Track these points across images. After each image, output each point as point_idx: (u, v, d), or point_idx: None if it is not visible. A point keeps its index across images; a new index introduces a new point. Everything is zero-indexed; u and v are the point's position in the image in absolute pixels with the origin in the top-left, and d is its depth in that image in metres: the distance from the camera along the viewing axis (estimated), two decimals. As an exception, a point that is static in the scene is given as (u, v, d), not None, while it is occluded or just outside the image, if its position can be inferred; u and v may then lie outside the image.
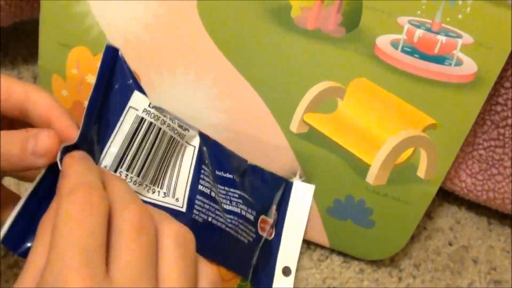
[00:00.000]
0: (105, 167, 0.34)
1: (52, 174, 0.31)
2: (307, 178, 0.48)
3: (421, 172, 0.46)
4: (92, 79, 0.49)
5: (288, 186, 0.44)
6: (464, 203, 0.58)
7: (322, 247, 0.51)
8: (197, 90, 0.47)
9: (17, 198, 0.35)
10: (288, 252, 0.42)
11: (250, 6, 0.44)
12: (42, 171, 0.31)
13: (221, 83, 0.46)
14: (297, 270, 0.48)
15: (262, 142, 0.47)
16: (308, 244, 0.51)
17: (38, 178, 0.31)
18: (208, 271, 0.30)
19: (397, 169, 0.46)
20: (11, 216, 0.30)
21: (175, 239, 0.29)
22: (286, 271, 0.42)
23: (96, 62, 0.48)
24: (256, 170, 0.43)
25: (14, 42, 0.64)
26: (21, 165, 0.31)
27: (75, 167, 0.30)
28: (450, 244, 0.54)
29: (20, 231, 0.30)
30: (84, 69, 0.49)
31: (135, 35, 0.46)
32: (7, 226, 0.30)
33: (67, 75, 0.49)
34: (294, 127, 0.47)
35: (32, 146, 0.31)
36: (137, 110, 0.35)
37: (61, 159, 0.30)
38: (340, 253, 0.51)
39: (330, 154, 0.47)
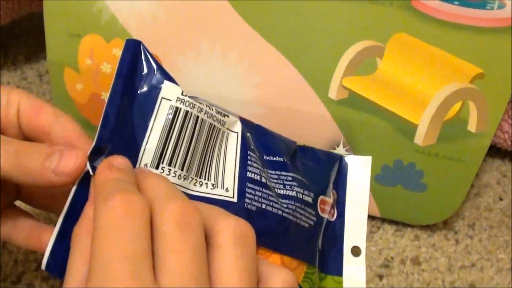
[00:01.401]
0: (146, 164, 0.31)
1: (83, 192, 0.29)
2: (351, 147, 0.45)
3: (472, 126, 0.43)
4: (108, 67, 0.46)
5: (342, 161, 0.41)
6: (507, 155, 0.56)
7: (373, 217, 0.48)
8: (224, 66, 0.44)
9: (29, 216, 0.35)
10: (355, 230, 0.40)
11: (273, -30, 0.41)
12: (73, 190, 0.29)
13: (249, 56, 0.43)
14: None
15: (300, 113, 0.44)
16: (356, 216, 0.48)
17: (69, 198, 0.29)
18: (281, 272, 0.28)
19: (446, 126, 0.43)
20: (50, 242, 0.29)
21: (232, 237, 0.26)
22: (355, 251, 0.39)
23: (111, 49, 0.45)
24: (306, 151, 0.40)
25: (13, 42, 0.60)
26: (39, 182, 0.29)
27: (109, 174, 0.27)
28: (501, 199, 0.52)
29: (62, 255, 0.28)
30: (99, 58, 0.46)
31: (151, 15, 0.43)
32: (48, 252, 0.28)
33: (80, 67, 0.46)
34: (333, 93, 0.44)
35: (55, 163, 0.28)
36: (170, 100, 0.32)
37: (91, 167, 0.28)
38: (391, 222, 0.48)
39: (374, 118, 0.44)
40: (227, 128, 0.35)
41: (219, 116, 0.34)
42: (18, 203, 0.35)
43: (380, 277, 0.44)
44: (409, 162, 0.45)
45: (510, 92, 0.43)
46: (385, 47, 0.42)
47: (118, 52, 0.45)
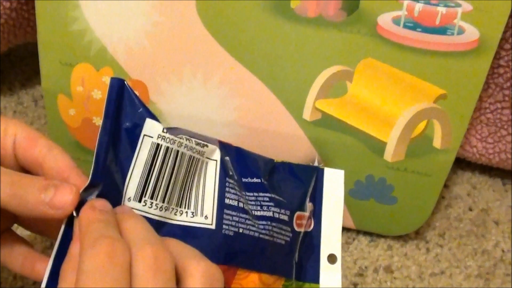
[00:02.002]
0: (129, 198, 0.34)
1: (71, 231, 0.31)
2: (325, 164, 0.48)
3: (437, 143, 0.47)
4: (98, 94, 0.49)
5: (319, 174, 0.44)
6: (477, 168, 0.59)
7: (348, 229, 0.51)
8: (206, 91, 0.47)
9: (24, 243, 0.37)
10: (331, 239, 0.43)
11: (249, 2, 0.44)
12: (63, 227, 0.32)
13: (228, 81, 0.47)
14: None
15: (277, 134, 0.48)
16: (333, 228, 0.51)
17: (60, 235, 0.31)
18: None
19: (413, 143, 0.47)
20: (45, 278, 0.31)
21: (201, 279, 0.29)
22: (331, 259, 0.42)
23: (101, 76, 0.49)
24: (284, 167, 0.43)
25: (10, 69, 0.64)
26: (34, 213, 0.31)
27: (93, 216, 0.30)
28: (470, 210, 0.55)
29: None
30: (89, 85, 0.49)
31: (137, 44, 0.47)
32: (45, 279, 0.31)
33: (73, 93, 0.49)
34: (307, 115, 0.47)
35: (50, 196, 0.31)
36: (152, 137, 0.35)
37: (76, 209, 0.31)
38: (366, 233, 0.52)
39: (346, 137, 0.47)
40: (206, 157, 0.38)
41: (198, 148, 0.37)
42: (14, 227, 0.38)
43: (355, 285, 0.48)
44: (380, 177, 0.48)
45: (471, 110, 0.46)
46: (354, 72, 0.45)
47: (107, 79, 0.48)
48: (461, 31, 0.44)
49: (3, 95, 0.61)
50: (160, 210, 0.35)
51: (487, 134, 0.55)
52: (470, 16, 0.43)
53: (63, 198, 0.31)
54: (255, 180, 0.40)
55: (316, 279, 0.42)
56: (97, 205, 0.31)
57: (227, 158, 0.39)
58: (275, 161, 0.42)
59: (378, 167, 0.48)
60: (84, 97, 0.49)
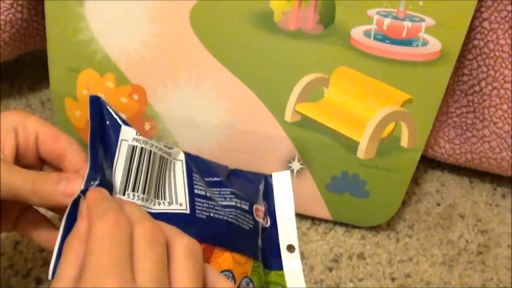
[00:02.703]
0: (115, 192, 0.40)
1: (74, 215, 0.36)
2: (304, 161, 0.54)
3: (404, 142, 0.52)
4: (102, 97, 0.54)
5: (267, 178, 0.50)
6: (447, 167, 0.64)
7: (326, 220, 0.57)
8: (198, 95, 0.53)
9: (48, 221, 0.42)
10: (287, 232, 0.48)
11: (238, 15, 0.49)
12: (68, 209, 0.36)
13: (218, 86, 0.52)
14: (306, 243, 0.54)
15: (261, 134, 0.53)
16: (313, 219, 0.57)
17: (66, 215, 0.36)
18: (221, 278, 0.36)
19: (383, 143, 0.52)
20: (53, 255, 0.35)
21: (185, 251, 0.34)
22: (290, 249, 0.48)
23: (104, 81, 0.54)
24: (238, 173, 0.49)
25: (18, 74, 0.69)
26: (52, 202, 0.37)
27: (99, 195, 0.36)
28: (438, 205, 0.60)
29: None
30: (94, 89, 0.54)
31: (137, 53, 0.52)
32: (52, 264, 0.35)
33: (79, 96, 0.55)
34: (288, 117, 0.52)
35: (64, 187, 0.36)
36: (127, 140, 0.41)
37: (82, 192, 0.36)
38: (342, 224, 0.57)
39: (323, 137, 0.52)
40: (173, 158, 0.44)
41: (166, 149, 0.43)
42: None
43: (330, 269, 0.53)
44: (354, 173, 0.54)
45: (435, 113, 0.51)
46: (329, 78, 0.51)
47: (110, 84, 0.54)
48: (425, 43, 0.49)
49: (13, 97, 0.66)
50: (142, 201, 0.40)
51: (454, 136, 0.61)
52: (433, 30, 0.48)
53: (74, 187, 0.36)
54: (215, 179, 0.46)
55: (280, 267, 0.48)
56: (101, 189, 0.37)
57: (189, 162, 0.45)
58: (229, 168, 0.48)
59: (352, 164, 0.53)
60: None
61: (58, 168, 0.41)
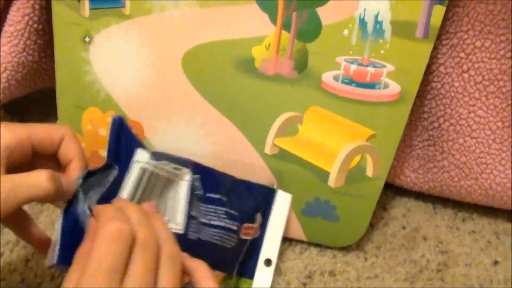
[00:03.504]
0: None
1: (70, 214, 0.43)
2: (282, 188, 0.61)
3: (369, 172, 0.59)
4: (103, 131, 0.62)
5: (272, 194, 0.56)
6: (412, 195, 0.71)
7: (302, 241, 0.64)
8: (189, 130, 0.60)
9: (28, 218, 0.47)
10: (270, 247, 0.55)
11: (224, 61, 0.57)
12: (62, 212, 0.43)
13: (207, 123, 0.59)
14: (283, 261, 0.61)
15: (244, 164, 0.60)
16: (290, 240, 0.63)
17: (64, 207, 0.43)
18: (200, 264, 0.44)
19: (350, 172, 0.59)
20: (57, 243, 0.41)
21: (170, 257, 0.40)
22: (268, 262, 0.54)
23: (106, 118, 0.61)
24: (244, 183, 0.55)
25: (27, 109, 0.76)
26: (67, 195, 0.43)
27: (106, 207, 0.42)
28: (404, 228, 0.67)
29: (68, 252, 0.41)
30: (97, 125, 0.61)
31: (135, 93, 0.59)
32: (57, 248, 0.41)
33: (83, 130, 0.62)
34: (267, 150, 0.60)
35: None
36: (141, 163, 0.47)
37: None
38: (316, 245, 0.63)
39: (298, 167, 0.60)
40: (180, 179, 0.50)
41: (174, 171, 0.49)
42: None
43: (304, 284, 0.59)
44: (325, 199, 0.61)
45: (395, 147, 0.59)
46: (303, 116, 0.58)
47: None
48: (386, 86, 0.56)
49: (23, 130, 0.73)
50: None
51: (418, 166, 0.68)
52: (393, 75, 0.56)
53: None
54: (216, 195, 0.52)
55: (251, 276, 0.54)
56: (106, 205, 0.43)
57: (196, 176, 0.51)
58: (236, 178, 0.54)
59: (324, 191, 0.60)
60: (92, 134, 0.62)
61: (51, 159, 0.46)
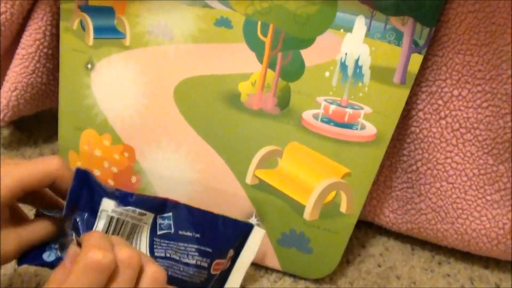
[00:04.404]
0: None
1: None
2: (260, 218, 0.64)
3: (343, 208, 0.62)
4: (99, 152, 0.66)
5: (248, 229, 0.58)
6: (392, 234, 0.73)
7: (277, 271, 0.66)
8: (176, 157, 0.63)
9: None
10: (236, 277, 0.57)
11: (212, 95, 0.61)
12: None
13: (193, 151, 0.63)
14: (257, 288, 0.64)
15: (226, 192, 0.63)
16: (266, 269, 0.66)
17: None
18: None
19: (325, 207, 0.62)
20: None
21: (152, 276, 0.44)
22: None
23: (102, 140, 0.65)
24: (221, 219, 0.56)
25: (36, 127, 0.81)
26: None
27: (94, 234, 0.45)
28: (379, 266, 0.69)
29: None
30: (93, 146, 0.65)
31: (130, 119, 0.63)
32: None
33: (80, 150, 0.66)
34: (248, 180, 0.63)
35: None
36: (108, 211, 0.50)
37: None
38: (291, 275, 0.66)
39: (276, 199, 0.63)
40: (144, 223, 0.52)
41: (139, 216, 0.51)
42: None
43: (274, 312, 0.62)
44: (300, 231, 0.63)
45: (369, 186, 0.61)
46: (283, 151, 0.61)
47: (106, 142, 0.65)
48: (363, 127, 0.60)
49: (29, 146, 0.78)
50: None
51: (396, 207, 0.70)
52: (370, 117, 0.59)
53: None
54: (188, 233, 0.54)
55: None
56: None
57: (166, 215, 0.53)
58: (214, 213, 0.56)
59: (299, 224, 0.63)
60: (88, 154, 0.66)
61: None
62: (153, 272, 0.44)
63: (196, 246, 0.55)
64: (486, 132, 0.61)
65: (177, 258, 0.54)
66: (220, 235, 0.56)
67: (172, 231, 0.54)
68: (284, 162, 0.62)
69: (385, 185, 0.69)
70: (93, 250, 0.41)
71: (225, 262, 0.57)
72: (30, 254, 0.47)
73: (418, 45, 0.57)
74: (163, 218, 0.54)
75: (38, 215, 0.49)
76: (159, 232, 0.53)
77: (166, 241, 0.53)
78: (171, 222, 0.54)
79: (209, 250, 0.55)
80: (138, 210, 0.51)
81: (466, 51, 0.58)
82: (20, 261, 0.47)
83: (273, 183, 0.62)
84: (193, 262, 0.54)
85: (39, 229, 0.47)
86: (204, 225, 0.56)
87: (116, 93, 0.63)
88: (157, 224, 0.53)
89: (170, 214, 0.54)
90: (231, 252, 0.57)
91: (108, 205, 0.50)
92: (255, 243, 0.58)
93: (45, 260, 0.48)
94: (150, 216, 0.53)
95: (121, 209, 0.50)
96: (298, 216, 0.63)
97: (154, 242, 0.53)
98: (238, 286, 0.57)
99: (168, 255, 0.53)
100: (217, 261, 0.56)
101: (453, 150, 0.63)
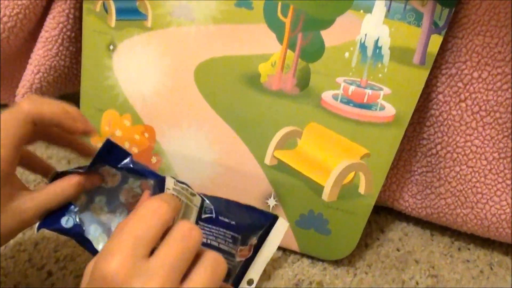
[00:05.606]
0: None
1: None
2: (278, 199, 0.64)
3: (361, 189, 0.62)
4: (119, 133, 0.66)
5: (273, 220, 0.58)
6: (412, 220, 0.73)
7: (295, 252, 0.66)
8: (196, 138, 0.64)
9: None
10: (256, 268, 0.57)
11: (232, 75, 0.61)
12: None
13: (213, 132, 0.63)
14: (275, 268, 0.64)
15: (245, 173, 0.64)
16: (284, 250, 0.66)
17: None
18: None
19: (344, 188, 0.62)
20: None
21: (213, 261, 0.40)
22: (249, 282, 0.57)
23: (123, 120, 0.66)
24: (246, 208, 0.57)
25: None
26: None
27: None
28: (398, 250, 0.69)
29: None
30: (114, 126, 0.66)
31: (151, 99, 0.64)
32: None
33: (102, 131, 0.67)
34: (267, 161, 0.63)
35: None
36: (169, 189, 0.49)
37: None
38: (309, 257, 0.66)
39: (295, 180, 0.63)
40: (194, 204, 0.52)
41: (190, 197, 0.51)
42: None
43: (292, 291, 0.62)
44: (319, 212, 0.63)
45: (388, 167, 0.61)
46: (302, 132, 0.62)
47: (127, 122, 0.66)
48: (382, 108, 0.60)
49: (51, 131, 0.79)
50: None
51: (416, 192, 0.70)
52: (389, 98, 0.59)
53: None
54: (226, 220, 0.54)
55: None
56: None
57: (207, 202, 0.54)
58: (240, 203, 0.56)
59: (317, 205, 0.63)
60: (109, 135, 0.67)
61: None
62: (216, 257, 0.41)
63: (231, 233, 0.55)
64: (506, 114, 0.61)
65: (216, 244, 0.54)
66: (248, 223, 0.56)
67: (214, 215, 0.54)
68: (303, 143, 0.62)
69: (405, 169, 0.69)
70: (156, 199, 0.40)
71: (247, 249, 0.57)
72: (48, 218, 0.47)
73: (438, 26, 0.56)
74: (206, 203, 0.54)
75: (55, 179, 0.49)
76: (203, 216, 0.53)
77: (209, 226, 0.53)
78: (212, 207, 0.54)
79: (239, 237, 0.55)
80: (190, 189, 0.51)
81: (486, 33, 0.58)
82: (39, 226, 0.47)
83: (292, 164, 0.63)
84: (227, 248, 0.54)
85: (56, 192, 0.47)
86: (237, 213, 0.56)
87: (137, 74, 0.64)
88: (203, 208, 0.53)
89: (209, 202, 0.54)
90: (254, 240, 0.57)
91: (170, 182, 0.50)
92: (279, 234, 0.58)
93: (62, 225, 0.48)
94: (198, 199, 0.53)
95: (179, 186, 0.50)
96: (316, 197, 0.63)
97: (198, 226, 0.53)
98: (259, 276, 0.57)
99: (208, 241, 0.54)
100: (240, 247, 0.56)
101: (472, 133, 0.63)
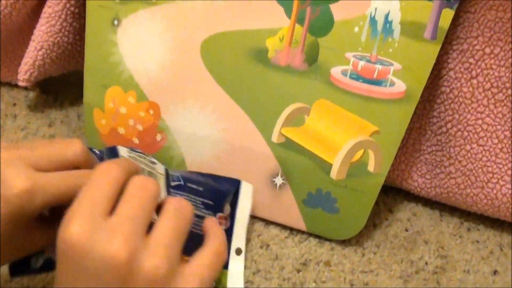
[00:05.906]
0: None
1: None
2: (286, 177, 0.63)
3: (370, 167, 0.61)
4: (123, 110, 0.65)
5: (237, 184, 0.59)
6: (421, 200, 0.72)
7: (302, 232, 0.65)
8: (202, 115, 0.63)
9: None
10: (239, 236, 0.57)
11: (239, 51, 0.60)
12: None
13: (219, 108, 0.62)
14: (282, 248, 0.63)
15: (251, 151, 0.63)
16: (291, 230, 0.65)
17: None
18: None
19: (352, 166, 0.61)
20: None
21: (175, 206, 0.41)
22: (238, 251, 0.56)
23: (127, 97, 0.65)
24: (211, 176, 0.58)
25: (62, 90, 0.81)
26: None
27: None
28: (407, 230, 0.68)
29: None
30: (118, 103, 0.65)
31: (156, 75, 0.63)
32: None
33: (105, 108, 0.66)
34: (274, 138, 0.62)
35: None
36: (124, 156, 0.50)
37: None
38: (316, 236, 0.65)
39: (302, 157, 0.62)
40: (158, 172, 0.52)
41: (151, 164, 0.52)
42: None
43: (298, 271, 0.61)
44: (327, 190, 0.62)
45: (398, 144, 0.60)
46: (310, 108, 0.60)
47: (131, 99, 0.65)
48: (392, 84, 0.58)
49: (55, 109, 0.78)
50: None
51: (425, 171, 0.69)
52: (399, 74, 0.57)
53: None
54: (194, 186, 0.54)
55: (225, 266, 0.56)
56: None
57: (173, 170, 0.54)
58: (203, 172, 0.57)
59: (325, 183, 0.62)
60: (113, 111, 0.66)
61: None
62: (177, 201, 0.42)
63: (201, 199, 0.55)
64: (519, 92, 0.60)
65: None
66: (216, 189, 0.57)
67: (182, 182, 0.54)
68: (311, 120, 0.61)
69: (414, 148, 0.68)
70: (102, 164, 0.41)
71: (225, 217, 0.56)
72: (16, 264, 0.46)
73: (449, 0, 0.55)
74: (171, 171, 0.54)
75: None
76: (172, 184, 0.53)
77: (180, 192, 0.53)
78: (179, 175, 0.54)
79: (211, 203, 0.56)
80: (148, 157, 0.52)
81: (499, 7, 0.57)
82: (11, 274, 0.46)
83: (299, 141, 0.62)
84: (200, 213, 0.54)
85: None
86: (202, 182, 0.57)
87: (142, 49, 0.63)
88: (169, 175, 0.53)
89: (173, 172, 0.55)
90: (228, 208, 0.57)
91: (123, 151, 0.51)
92: (247, 198, 0.58)
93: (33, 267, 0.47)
94: (160, 167, 0.53)
95: (134, 154, 0.51)
96: (324, 175, 0.62)
97: (170, 194, 0.52)
98: (244, 240, 0.56)
99: None
100: (219, 214, 0.56)
101: (484, 110, 0.62)
